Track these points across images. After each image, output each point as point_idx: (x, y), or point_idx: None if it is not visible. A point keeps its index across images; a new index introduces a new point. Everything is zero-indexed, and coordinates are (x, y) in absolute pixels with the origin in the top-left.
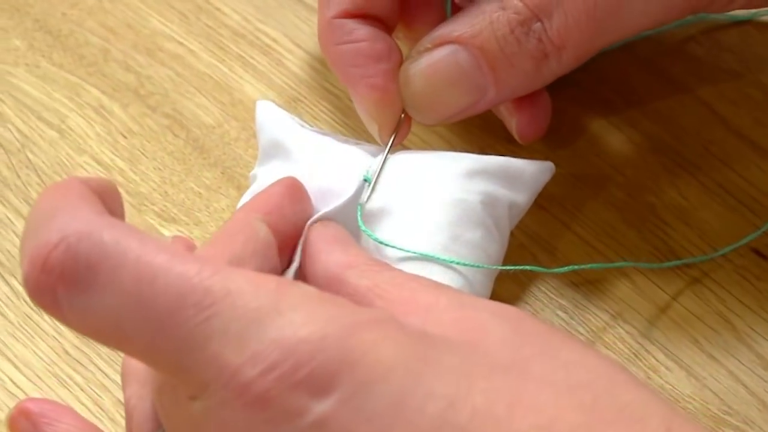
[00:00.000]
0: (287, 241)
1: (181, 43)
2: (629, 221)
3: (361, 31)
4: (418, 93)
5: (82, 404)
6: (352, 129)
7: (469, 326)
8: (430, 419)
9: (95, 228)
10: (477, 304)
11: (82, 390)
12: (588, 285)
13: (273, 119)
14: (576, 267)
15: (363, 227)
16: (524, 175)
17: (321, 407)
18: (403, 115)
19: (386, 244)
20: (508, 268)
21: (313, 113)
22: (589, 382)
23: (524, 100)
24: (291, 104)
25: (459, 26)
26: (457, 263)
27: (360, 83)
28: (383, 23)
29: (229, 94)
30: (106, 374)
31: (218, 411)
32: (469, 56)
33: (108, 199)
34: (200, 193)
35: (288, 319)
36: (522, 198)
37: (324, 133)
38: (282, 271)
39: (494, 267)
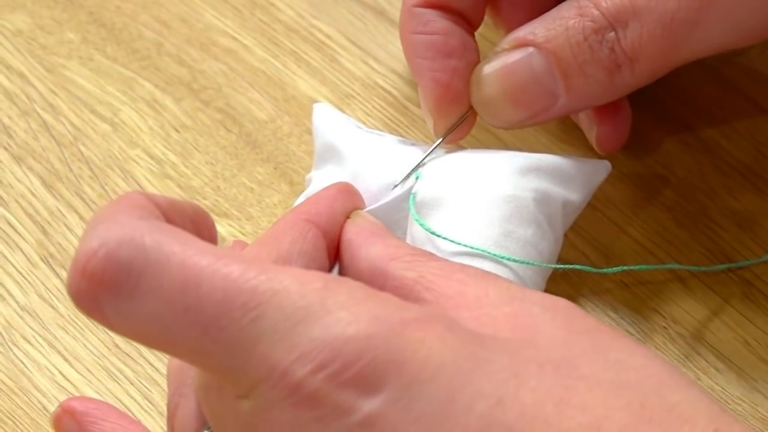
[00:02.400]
0: (338, 242)
1: (234, 38)
2: (681, 222)
3: (437, 23)
4: (489, 94)
5: (132, 398)
6: (405, 126)
7: (521, 322)
8: (478, 418)
9: (137, 233)
10: (527, 296)
11: (131, 383)
12: (639, 286)
13: (329, 122)
14: (625, 267)
15: (416, 217)
16: (579, 173)
17: (369, 406)
18: (468, 113)
19: (438, 236)
20: (558, 267)
21: (366, 110)
22: (638, 382)
23: (605, 110)
24: (344, 101)
25: (537, 29)
26: (509, 259)
27: (425, 76)
28: (465, 19)
29: (282, 90)
30: (155, 368)
31: (267, 410)
32: (543, 61)
33: (176, 214)
34: (252, 188)
35: (336, 318)
36: (577, 196)
37: (380, 134)
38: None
39: (544, 265)
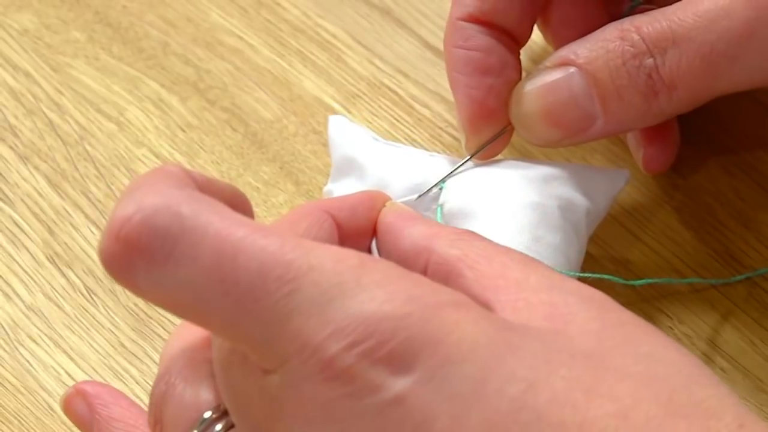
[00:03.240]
0: (354, 239)
1: (240, 38)
2: (687, 223)
3: (478, 39)
4: (528, 111)
5: (137, 397)
6: (411, 126)
7: (556, 311)
8: (509, 401)
9: (174, 200)
10: (565, 285)
11: (137, 383)
12: (645, 286)
13: (346, 135)
14: (651, 281)
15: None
16: (600, 182)
17: (401, 384)
18: (502, 132)
19: None
20: (587, 275)
21: (372, 110)
22: (667, 376)
23: (654, 132)
24: (350, 100)
25: (579, 49)
26: None
27: (461, 91)
28: (509, 35)
29: (288, 89)
30: None
31: (297, 386)
32: (583, 82)
33: (211, 191)
34: (258, 188)
35: (371, 295)
36: (598, 205)
37: (397, 146)
38: None
39: (573, 274)
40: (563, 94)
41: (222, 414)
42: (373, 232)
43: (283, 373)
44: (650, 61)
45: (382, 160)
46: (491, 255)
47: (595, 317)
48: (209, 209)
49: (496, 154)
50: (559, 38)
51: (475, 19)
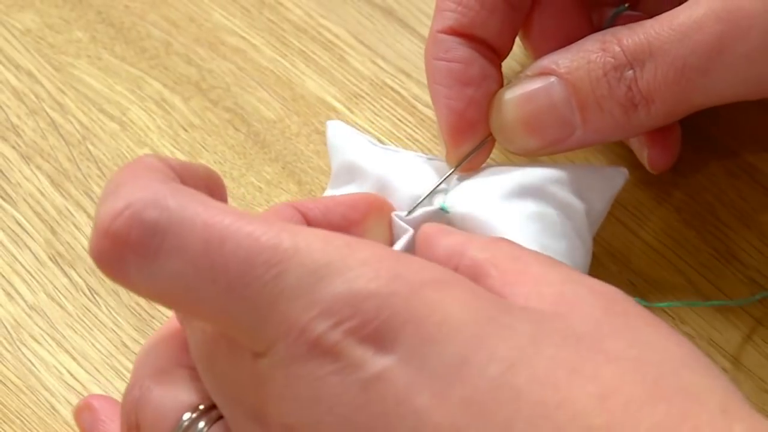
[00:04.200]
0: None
1: (243, 38)
2: (689, 222)
3: (459, 51)
4: (507, 120)
5: None
6: (414, 126)
7: (563, 299)
8: (488, 380)
9: (160, 194)
10: (581, 280)
11: None
12: (648, 286)
13: (346, 140)
14: (672, 304)
15: None
16: (597, 182)
17: (384, 362)
18: (484, 143)
19: None
20: None
21: (374, 110)
22: (658, 362)
23: (656, 134)
24: (352, 100)
25: (561, 59)
26: None
27: (441, 102)
28: (490, 48)
29: (291, 89)
30: None
31: (286, 365)
32: (563, 91)
33: (189, 177)
34: (260, 188)
35: (357, 274)
36: (597, 205)
37: (396, 150)
38: None
39: None
40: (543, 103)
41: (201, 413)
42: (356, 231)
43: (272, 354)
44: (630, 73)
45: (383, 167)
46: (517, 256)
47: (600, 306)
48: (194, 200)
49: (479, 166)
50: (540, 50)
51: (455, 32)
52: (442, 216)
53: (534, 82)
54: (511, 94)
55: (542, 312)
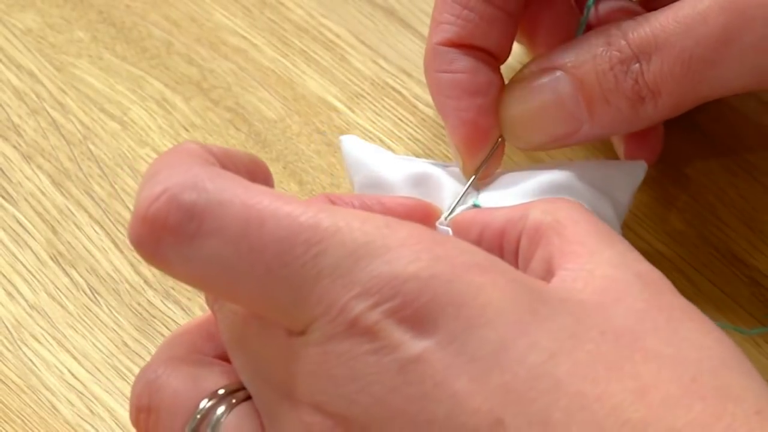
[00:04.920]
0: None
1: (244, 37)
2: (690, 222)
3: (462, 62)
4: (515, 116)
5: None
6: (415, 126)
7: (610, 286)
8: (528, 368)
9: (199, 178)
10: (635, 265)
11: None
12: None
13: (364, 155)
14: (725, 326)
15: None
16: (620, 176)
17: (423, 344)
18: (496, 147)
19: None
20: None
21: (376, 110)
22: (697, 360)
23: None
24: (353, 100)
25: (567, 54)
26: None
27: (452, 115)
28: (490, 55)
29: (292, 89)
30: None
31: (323, 343)
32: (570, 86)
33: (230, 164)
34: None
35: (397, 255)
36: (622, 198)
37: (410, 159)
38: None
39: None
40: (550, 99)
41: (220, 398)
42: None
43: (310, 332)
44: (636, 66)
45: (409, 180)
46: (579, 220)
47: (645, 298)
48: (233, 183)
49: (494, 171)
50: (537, 45)
51: (455, 44)
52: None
53: (540, 78)
54: (518, 90)
55: (582, 304)
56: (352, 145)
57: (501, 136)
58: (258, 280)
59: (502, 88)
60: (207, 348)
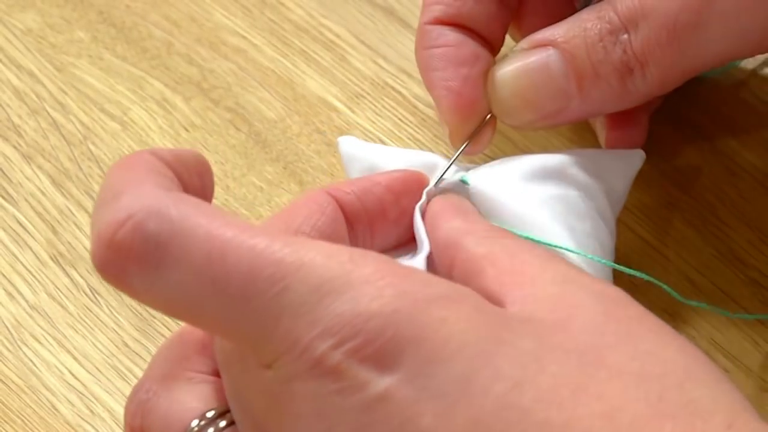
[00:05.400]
0: (365, 220)
1: (244, 37)
2: (690, 223)
3: (449, 36)
4: (504, 94)
5: None
6: (415, 126)
7: (563, 303)
8: (494, 399)
9: (163, 204)
10: (580, 280)
11: None
12: (650, 287)
13: (360, 149)
14: (703, 305)
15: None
16: (614, 164)
17: (387, 382)
18: (485, 122)
19: (522, 235)
20: (636, 273)
21: (376, 110)
22: (662, 374)
23: (618, 117)
24: (353, 100)
25: (557, 30)
26: (585, 256)
27: (437, 85)
28: (480, 37)
29: (292, 89)
30: None
31: (289, 381)
32: (560, 61)
33: (183, 169)
34: (262, 188)
35: (360, 292)
36: (616, 186)
37: (409, 150)
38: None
39: (629, 270)
40: (540, 75)
41: (209, 421)
42: (394, 211)
43: (276, 368)
44: (625, 36)
45: (402, 161)
46: (514, 253)
47: (601, 311)
48: (197, 211)
49: (485, 146)
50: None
51: (443, 22)
52: (462, 188)
53: (530, 55)
54: (507, 67)
55: (543, 324)
56: (349, 143)
57: (491, 113)
58: (221, 313)
59: (490, 64)
60: (200, 363)
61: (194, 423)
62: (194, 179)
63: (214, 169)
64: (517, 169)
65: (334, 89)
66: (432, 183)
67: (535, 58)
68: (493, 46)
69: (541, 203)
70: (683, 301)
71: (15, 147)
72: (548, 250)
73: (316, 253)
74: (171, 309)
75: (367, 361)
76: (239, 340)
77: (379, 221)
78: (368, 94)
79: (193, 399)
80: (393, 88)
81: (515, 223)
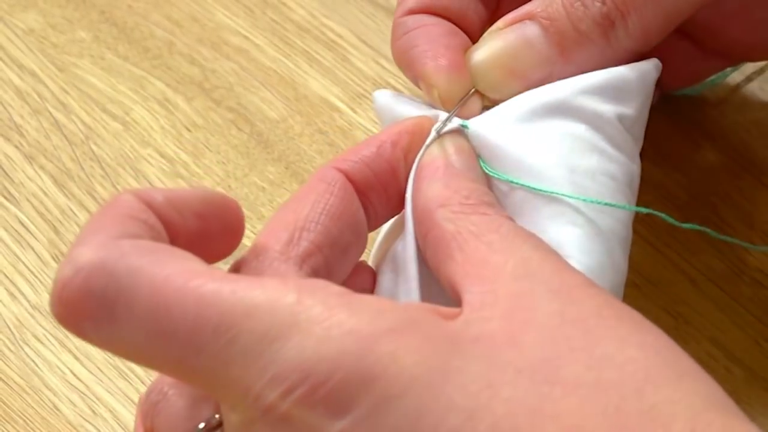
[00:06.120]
0: (377, 186)
1: (246, 37)
2: (691, 222)
3: (425, 19)
4: (486, 61)
5: None
6: None
7: (519, 304)
8: None
9: (110, 257)
10: (540, 273)
11: (142, 382)
12: (650, 286)
13: (396, 98)
14: (699, 227)
15: (488, 169)
16: (630, 82)
17: (338, 426)
18: (472, 91)
19: (514, 182)
20: (640, 210)
21: None
22: (620, 381)
23: None
24: (355, 100)
25: (532, 5)
26: (582, 200)
27: (417, 61)
28: (455, 24)
29: (294, 89)
30: None
31: (249, 425)
32: (538, 29)
33: (175, 212)
34: (264, 188)
35: (307, 335)
36: (632, 106)
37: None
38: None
39: (629, 207)
40: (519, 43)
41: (214, 427)
42: (403, 168)
43: (233, 413)
44: None
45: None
46: (481, 233)
47: (556, 311)
48: (147, 261)
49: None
50: None
51: (413, 11)
52: (463, 132)
53: (508, 31)
54: (486, 42)
55: (494, 341)
56: (383, 94)
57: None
58: (177, 364)
59: (469, 43)
60: None
61: (201, 425)
62: (190, 222)
63: (216, 169)
64: (517, 109)
65: (336, 89)
66: (430, 138)
67: (512, 31)
68: (471, 38)
69: (539, 144)
70: (678, 225)
71: (17, 147)
72: (517, 226)
73: (262, 298)
74: (131, 359)
75: (317, 406)
76: (201, 388)
77: (391, 183)
78: (370, 94)
79: (200, 402)
80: (394, 88)
81: (512, 168)
